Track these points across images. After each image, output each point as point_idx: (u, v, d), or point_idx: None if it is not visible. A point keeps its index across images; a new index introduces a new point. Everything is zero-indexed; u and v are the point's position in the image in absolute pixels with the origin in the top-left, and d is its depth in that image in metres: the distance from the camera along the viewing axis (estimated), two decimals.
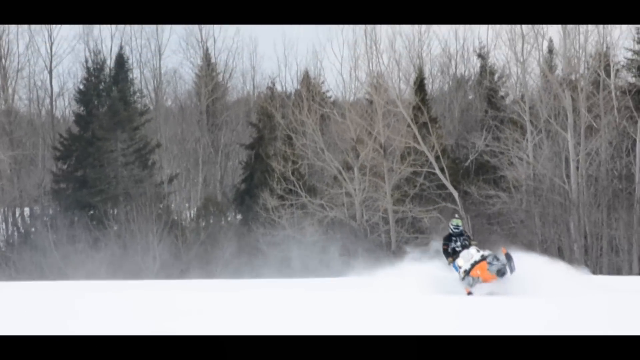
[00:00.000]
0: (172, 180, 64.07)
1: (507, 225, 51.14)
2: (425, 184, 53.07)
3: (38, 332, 13.34)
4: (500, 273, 22.55)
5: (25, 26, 66.00)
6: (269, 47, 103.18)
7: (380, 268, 28.19)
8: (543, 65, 53.93)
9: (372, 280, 25.47)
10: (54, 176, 61.11)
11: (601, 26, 51.71)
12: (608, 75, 51.46)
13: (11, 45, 65.88)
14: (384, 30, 56.49)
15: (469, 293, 22.87)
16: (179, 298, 22.69)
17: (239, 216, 61.26)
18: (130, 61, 67.77)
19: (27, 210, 62.73)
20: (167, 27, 69.64)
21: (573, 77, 52.45)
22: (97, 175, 58.76)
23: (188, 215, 64.03)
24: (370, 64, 56.35)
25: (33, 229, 59.72)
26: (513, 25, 53.07)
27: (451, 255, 23.77)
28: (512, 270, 22.45)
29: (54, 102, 68.68)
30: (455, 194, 52.00)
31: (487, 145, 52.85)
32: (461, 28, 65.29)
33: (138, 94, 67.82)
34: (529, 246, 45.43)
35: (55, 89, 68.49)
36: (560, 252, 48.00)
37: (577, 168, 50.20)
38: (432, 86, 65.48)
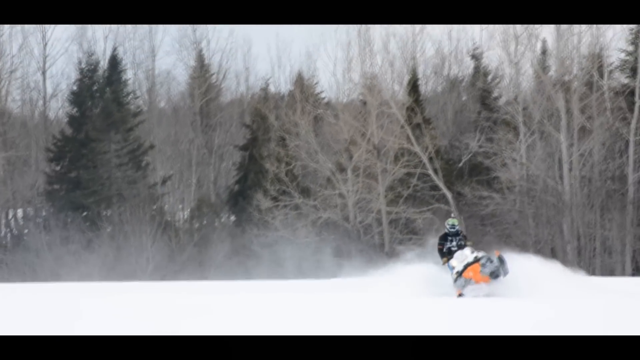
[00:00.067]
0: (165, 181, 64.00)
1: (501, 226, 51.17)
2: (419, 185, 53.07)
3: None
4: (494, 275, 22.44)
5: (19, 27, 65.93)
6: (262, 49, 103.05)
7: (373, 269, 28.20)
8: (536, 66, 53.99)
9: (365, 282, 25.48)
10: (47, 177, 61.01)
11: (594, 27, 51.81)
12: (601, 76, 51.54)
13: (4, 46, 65.76)
14: (377, 32, 56.55)
15: (460, 295, 22.79)
16: (179, 301, 22.66)
17: (232, 217, 61.21)
18: (123, 62, 67.64)
19: (20, 212, 62.59)
20: (160, 29, 69.57)
21: (566, 78, 52.51)
22: (91, 177, 58.68)
23: (181, 216, 63.95)
24: (364, 65, 56.43)
25: (26, 231, 59.61)
26: (506, 27, 53.16)
27: (446, 255, 23.69)
28: (505, 273, 22.38)
29: (47, 104, 68.55)
30: (449, 195, 52.04)
31: (480, 146, 52.87)
32: (455, 30, 65.29)
33: (131, 95, 67.70)
34: (522, 247, 45.48)
35: (49, 90, 68.39)
36: (553, 253, 48.01)
37: (570, 169, 50.26)
38: (426, 87, 65.47)
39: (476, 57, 62.65)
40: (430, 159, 52.49)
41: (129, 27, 68.74)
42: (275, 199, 53.66)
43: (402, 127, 53.02)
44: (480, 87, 59.11)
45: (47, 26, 66.75)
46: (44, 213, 60.38)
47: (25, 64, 67.52)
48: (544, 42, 55.15)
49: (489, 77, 60.46)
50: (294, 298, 23.31)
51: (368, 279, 26.61)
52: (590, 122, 50.62)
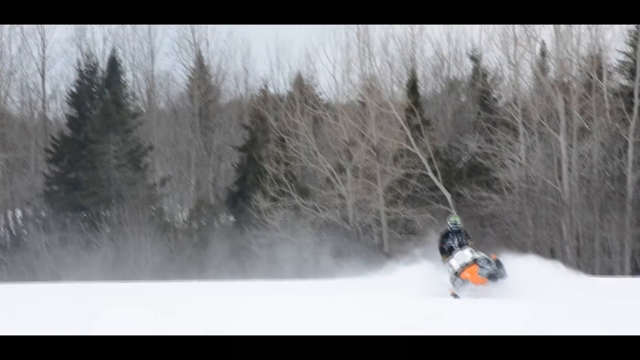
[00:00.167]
0: (164, 182, 64.00)
1: (500, 227, 51.16)
2: (418, 186, 53.07)
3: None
4: (492, 278, 22.29)
5: (18, 29, 65.98)
6: (261, 50, 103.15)
7: (372, 270, 28.19)
8: (535, 67, 53.99)
9: (364, 283, 25.48)
10: (47, 179, 61.00)
11: (593, 29, 51.83)
12: (600, 77, 51.56)
13: (3, 47, 65.84)
14: (376, 33, 56.60)
15: (454, 295, 22.66)
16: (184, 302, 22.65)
17: (231, 218, 61.19)
18: (122, 64, 67.64)
19: (19, 213, 62.62)
20: (159, 30, 69.59)
21: (565, 80, 52.52)
22: (90, 178, 58.70)
23: (181, 217, 63.97)
24: (363, 67, 56.39)
25: (25, 232, 59.62)
26: (505, 28, 53.18)
27: (447, 253, 23.53)
28: (503, 276, 22.23)
29: (46, 105, 68.60)
30: (448, 195, 52.04)
31: (479, 147, 52.89)
32: (454, 31, 65.30)
33: (131, 97, 67.73)
34: (522, 248, 45.53)
35: (48, 92, 68.41)
36: (552, 254, 48.02)
37: (570, 170, 50.26)
38: (425, 88, 65.48)
39: (475, 59, 62.66)
40: (430, 160, 52.49)
41: (128, 28, 68.84)
42: (274, 199, 53.67)
43: (402, 128, 53.04)
44: (480, 88, 59.10)
45: (46, 28, 66.83)
46: (43, 214, 60.35)
47: (25, 66, 67.60)
48: (543, 43, 55.22)
49: (488, 79, 60.45)
50: (294, 300, 23.29)
51: (367, 279, 26.62)
52: (590, 123, 50.65)
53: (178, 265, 53.56)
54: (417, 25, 60.97)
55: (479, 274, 22.37)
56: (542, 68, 54.74)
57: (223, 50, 70.27)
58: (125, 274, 50.44)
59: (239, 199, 59.12)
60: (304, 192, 54.68)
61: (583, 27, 51.78)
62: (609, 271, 48.41)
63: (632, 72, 51.94)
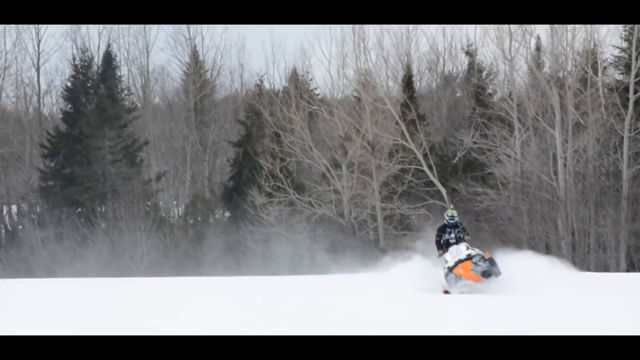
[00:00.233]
0: (160, 177, 64.02)
1: (495, 222, 51.18)
2: (414, 181, 53.07)
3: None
4: (486, 274, 22.16)
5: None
6: (257, 45, 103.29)
7: (367, 265, 28.17)
8: (531, 62, 54.03)
9: (358, 279, 25.47)
10: (42, 174, 60.96)
11: (588, 24, 51.81)
12: (595, 72, 51.56)
13: None
14: (371, 28, 56.50)
15: (446, 292, 22.59)
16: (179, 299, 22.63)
17: (227, 213, 61.24)
18: (117, 59, 67.77)
19: (14, 208, 62.62)
20: (154, 25, 69.59)
21: (560, 75, 52.54)
22: (85, 173, 58.66)
23: (176, 212, 64.01)
24: (358, 62, 56.37)
25: (20, 227, 59.59)
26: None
27: (443, 247, 23.42)
28: (497, 274, 22.13)
29: (41, 100, 68.62)
30: (444, 191, 52.06)
31: (475, 143, 52.92)
32: (449, 26, 65.42)
33: (126, 92, 67.82)
34: (517, 243, 45.61)
35: (43, 87, 68.51)
36: (547, 249, 48.07)
37: (565, 165, 50.29)
38: (420, 83, 65.62)
39: (470, 54, 62.76)
40: (425, 155, 52.49)
41: None
42: (269, 195, 53.65)
43: (397, 123, 53.02)
44: (475, 83, 59.17)
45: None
46: (38, 209, 60.36)
47: (20, 60, 67.73)
48: (538, 38, 55.33)
49: (484, 74, 60.55)
50: (288, 297, 23.25)
51: (362, 275, 26.61)
52: (585, 118, 50.66)
53: (173, 260, 53.54)
54: None
55: (472, 270, 22.21)
56: (537, 63, 54.78)
57: (218, 45, 70.63)
58: (120, 269, 50.40)
59: (234, 194, 59.15)
60: (299, 188, 54.69)
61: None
62: (604, 267, 48.47)
63: (627, 67, 51.96)
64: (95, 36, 69.68)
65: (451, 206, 27.05)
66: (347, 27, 56.10)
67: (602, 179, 50.43)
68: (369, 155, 52.80)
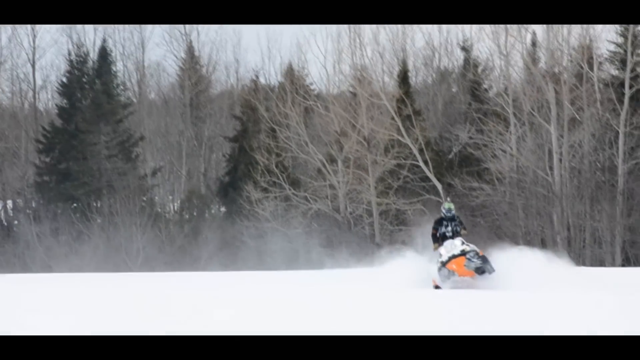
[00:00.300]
0: (155, 173, 63.99)
1: (491, 217, 51.22)
2: (409, 177, 53.11)
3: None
4: (480, 271, 22.08)
5: None
6: (252, 40, 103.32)
7: (363, 260, 28.17)
8: (526, 58, 54.02)
9: (354, 274, 25.47)
10: (37, 169, 60.94)
11: None
12: (591, 68, 51.60)
13: None
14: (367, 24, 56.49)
15: (436, 287, 22.48)
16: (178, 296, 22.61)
17: (222, 209, 61.27)
18: (113, 54, 67.63)
19: (10, 203, 62.57)
20: None
21: (556, 70, 52.58)
22: (81, 168, 58.64)
23: (172, 208, 64.03)
24: (354, 57, 56.38)
25: (16, 222, 59.56)
26: None
27: (439, 240, 23.33)
28: (490, 271, 22.07)
29: (36, 95, 68.52)
30: (439, 186, 52.09)
31: (470, 138, 52.93)
32: None
33: (121, 87, 67.71)
34: (512, 238, 45.67)
35: (38, 82, 68.33)
36: (543, 244, 48.08)
37: (560, 160, 50.34)
38: (416, 79, 65.55)
39: (466, 49, 62.72)
40: (421, 150, 52.52)
41: None
42: (265, 190, 53.65)
43: (393, 118, 53.03)
44: (471, 78, 59.17)
45: None
46: (33, 204, 60.34)
47: (15, 56, 67.56)
48: (534, 33, 55.28)
49: (479, 69, 60.56)
50: (285, 292, 23.23)
51: (357, 270, 26.60)
52: (580, 114, 50.70)
53: (169, 255, 53.58)
54: None
55: (465, 266, 22.14)
56: (533, 58, 54.80)
57: (214, 40, 70.74)
58: (116, 264, 50.43)
59: (230, 189, 59.16)
60: (295, 183, 54.71)
61: None
62: (599, 262, 48.53)
63: (623, 63, 52.01)
64: (91, 32, 69.39)
65: (448, 199, 26.93)
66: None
67: (598, 174, 50.51)
68: (364, 150, 52.82)
